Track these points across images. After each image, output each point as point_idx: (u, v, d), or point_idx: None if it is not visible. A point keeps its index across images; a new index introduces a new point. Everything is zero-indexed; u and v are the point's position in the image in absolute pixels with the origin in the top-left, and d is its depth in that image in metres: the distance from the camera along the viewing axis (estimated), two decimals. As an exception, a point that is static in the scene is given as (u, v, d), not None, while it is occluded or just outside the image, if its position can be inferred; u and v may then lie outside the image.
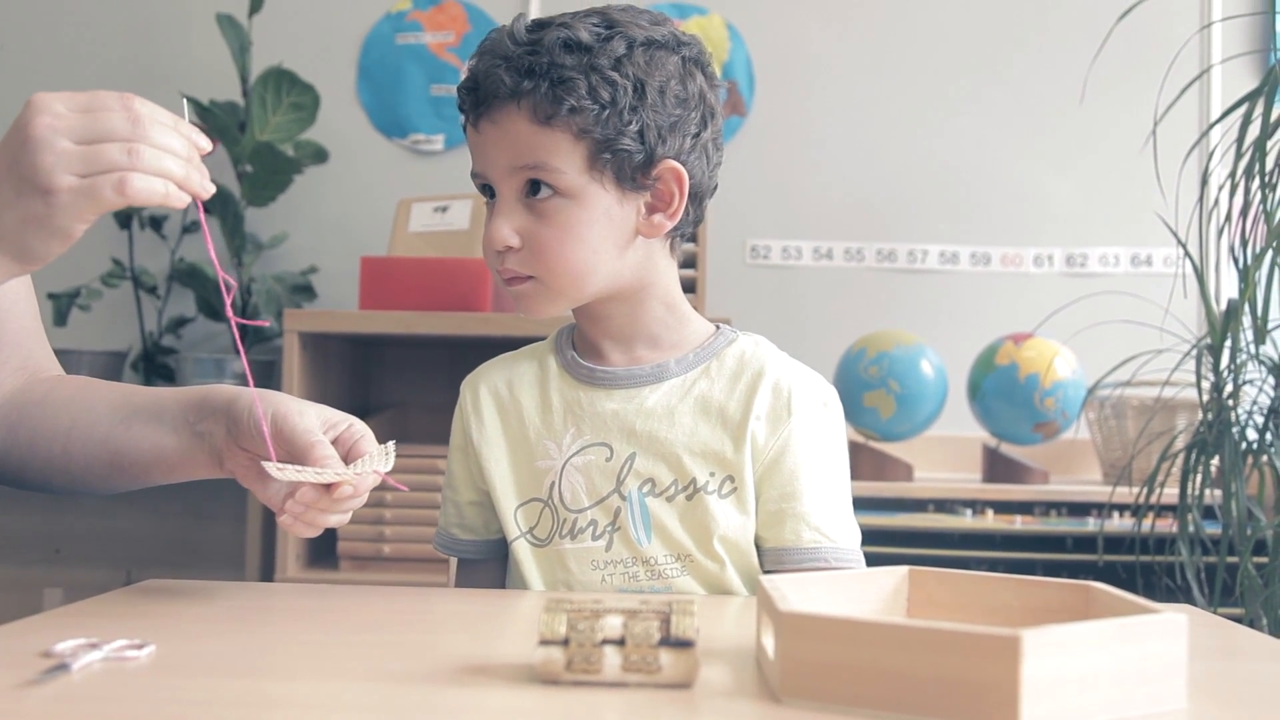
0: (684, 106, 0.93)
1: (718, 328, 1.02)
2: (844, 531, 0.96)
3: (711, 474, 0.94)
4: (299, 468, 0.82)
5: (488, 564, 1.04)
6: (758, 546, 0.97)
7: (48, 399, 0.95)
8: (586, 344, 1.01)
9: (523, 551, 0.98)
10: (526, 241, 0.92)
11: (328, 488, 0.82)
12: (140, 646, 0.66)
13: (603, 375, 0.98)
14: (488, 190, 0.94)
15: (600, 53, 0.90)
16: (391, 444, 0.89)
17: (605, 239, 0.93)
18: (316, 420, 0.86)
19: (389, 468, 0.86)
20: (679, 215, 0.95)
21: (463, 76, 0.95)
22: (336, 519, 0.85)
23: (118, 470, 0.92)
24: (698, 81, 0.95)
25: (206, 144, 0.77)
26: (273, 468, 0.81)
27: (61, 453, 0.93)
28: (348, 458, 0.86)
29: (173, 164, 0.74)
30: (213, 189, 0.77)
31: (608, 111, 0.89)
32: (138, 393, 0.94)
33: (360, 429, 0.89)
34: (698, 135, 0.95)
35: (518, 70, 0.89)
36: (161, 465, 0.91)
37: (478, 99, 0.92)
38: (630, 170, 0.92)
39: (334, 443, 0.87)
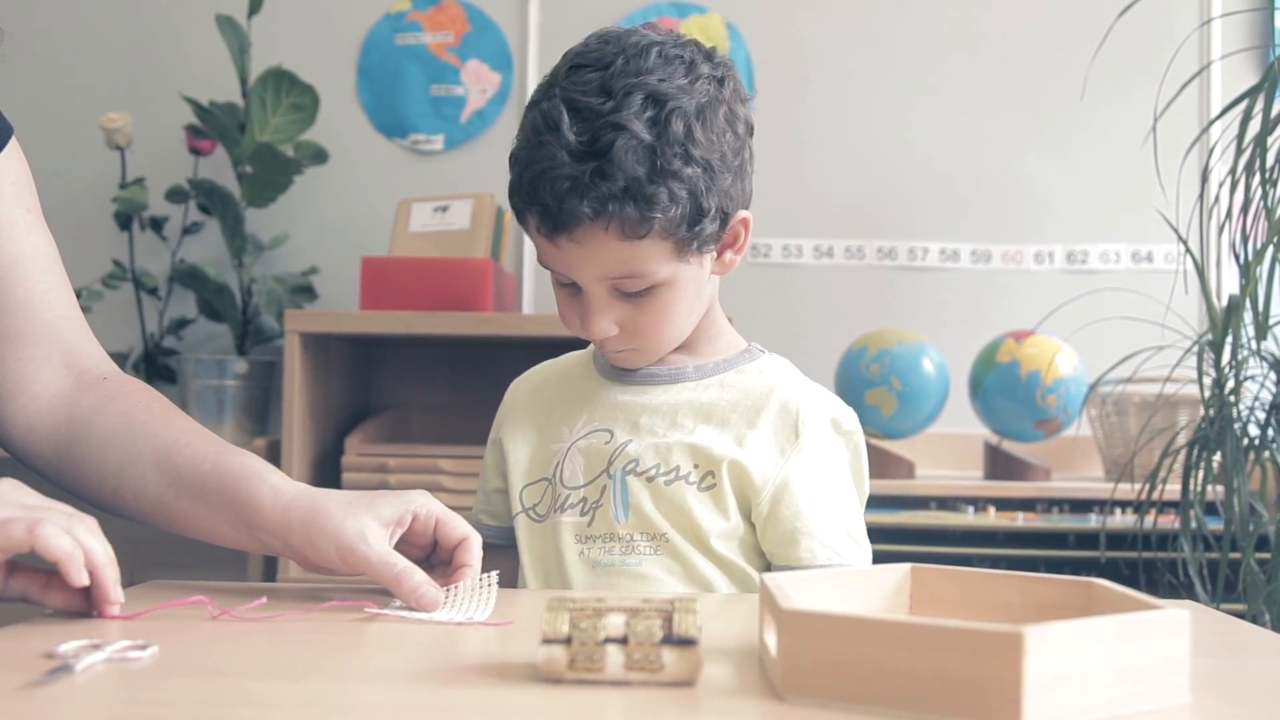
0: (738, 155, 0.95)
1: (749, 346, 1.05)
2: (856, 551, 0.98)
3: (695, 465, 0.96)
4: (404, 613, 0.80)
5: (510, 549, 1.07)
6: (770, 565, 0.99)
7: (93, 423, 0.92)
8: None
9: (521, 528, 1.03)
10: (624, 327, 0.95)
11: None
12: (143, 647, 0.67)
13: (624, 371, 1.02)
14: (564, 279, 0.96)
15: (666, 149, 0.88)
16: (494, 576, 0.86)
17: (695, 300, 0.97)
18: (383, 533, 0.83)
19: (490, 612, 0.81)
20: (745, 248, 1.00)
21: (515, 180, 0.92)
22: None
23: (179, 531, 0.90)
24: (740, 117, 0.95)
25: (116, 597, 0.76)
26: (380, 610, 0.80)
27: (113, 494, 0.91)
28: (438, 543, 0.87)
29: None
30: (85, 580, 0.73)
31: (688, 207, 0.90)
32: (179, 451, 0.89)
33: (423, 504, 0.86)
34: (748, 168, 0.97)
35: (597, 198, 0.87)
36: (226, 546, 0.89)
37: (555, 224, 0.89)
38: (711, 239, 0.94)
39: (409, 534, 0.86)
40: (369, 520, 0.83)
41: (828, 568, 0.94)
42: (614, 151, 0.86)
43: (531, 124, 0.91)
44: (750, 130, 0.98)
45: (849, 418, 1.02)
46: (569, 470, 1.00)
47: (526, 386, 1.10)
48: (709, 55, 0.95)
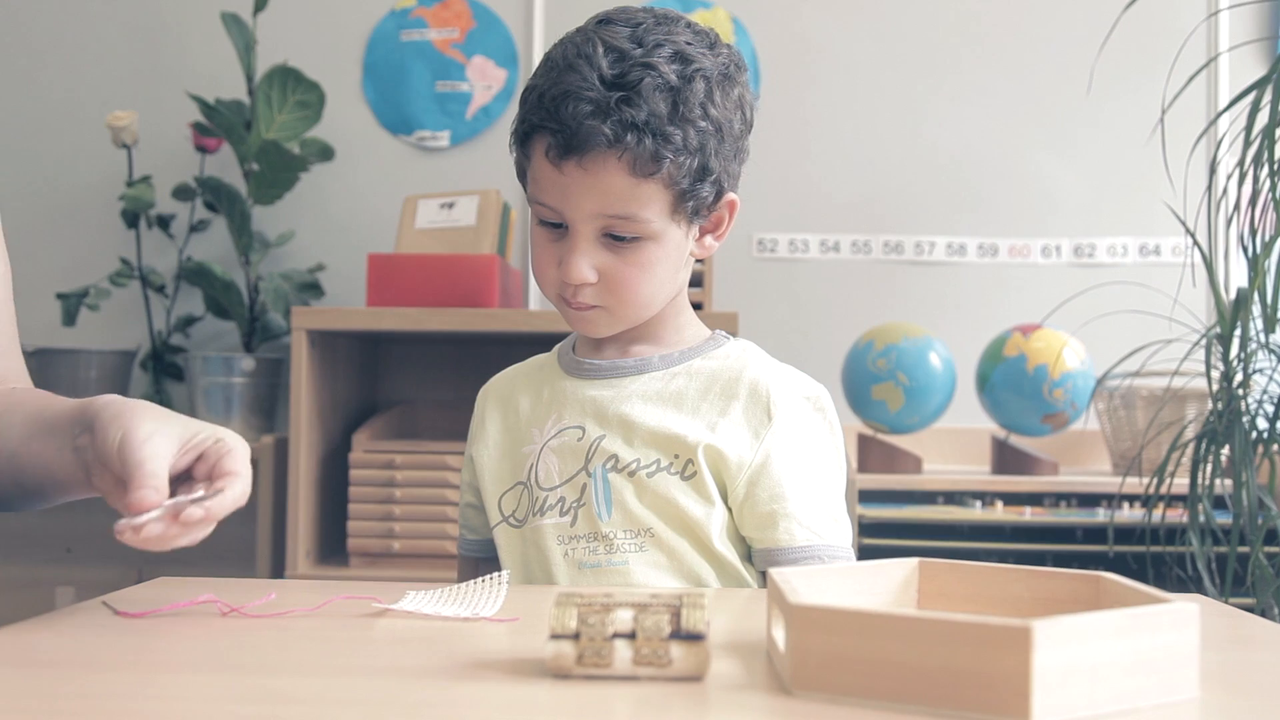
0: (742, 136, 0.98)
1: (713, 333, 1.05)
2: (835, 529, 0.98)
3: (675, 456, 0.96)
4: (412, 608, 0.78)
5: (491, 561, 1.07)
6: (749, 548, 0.99)
7: None
8: (589, 340, 1.04)
9: (502, 536, 1.02)
10: (602, 276, 0.95)
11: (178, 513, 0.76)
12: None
13: (590, 367, 1.02)
14: (552, 217, 0.94)
15: (688, 98, 0.91)
16: (504, 575, 0.85)
17: (672, 269, 0.98)
18: (167, 444, 0.76)
19: (498, 608, 0.79)
20: (725, 235, 1.02)
21: (534, 101, 0.92)
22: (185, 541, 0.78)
23: (22, 490, 0.85)
24: (748, 105, 0.99)
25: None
26: (388, 606, 0.78)
27: None
28: (214, 474, 0.78)
29: None
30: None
31: (696, 160, 0.92)
32: (49, 405, 0.85)
33: (230, 444, 0.79)
34: (745, 156, 0.99)
35: (619, 122, 0.89)
36: (51, 484, 0.83)
37: (569, 144, 0.90)
38: (703, 208, 0.96)
39: (199, 461, 0.79)
40: (164, 430, 0.77)
41: (809, 548, 0.95)
42: (642, 85, 0.89)
43: (560, 54, 0.93)
44: (751, 126, 1.00)
45: (820, 393, 1.01)
46: (543, 471, 0.99)
47: (493, 394, 1.08)
48: (730, 46, 0.98)
